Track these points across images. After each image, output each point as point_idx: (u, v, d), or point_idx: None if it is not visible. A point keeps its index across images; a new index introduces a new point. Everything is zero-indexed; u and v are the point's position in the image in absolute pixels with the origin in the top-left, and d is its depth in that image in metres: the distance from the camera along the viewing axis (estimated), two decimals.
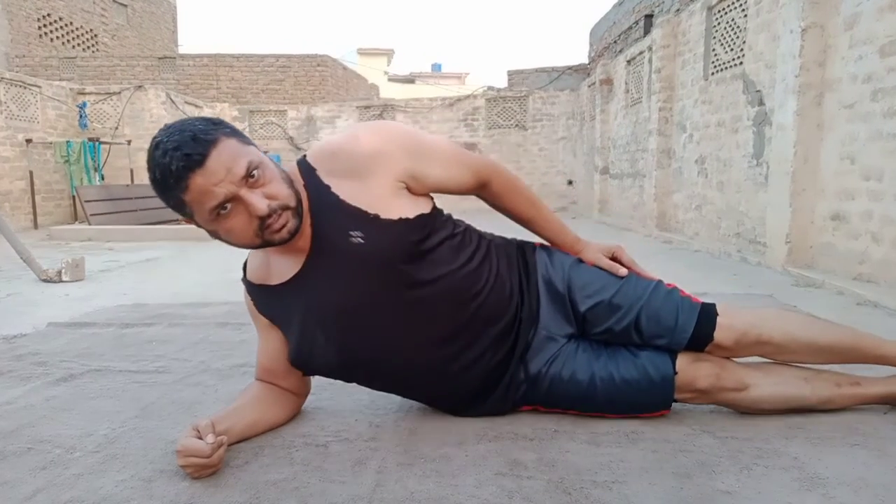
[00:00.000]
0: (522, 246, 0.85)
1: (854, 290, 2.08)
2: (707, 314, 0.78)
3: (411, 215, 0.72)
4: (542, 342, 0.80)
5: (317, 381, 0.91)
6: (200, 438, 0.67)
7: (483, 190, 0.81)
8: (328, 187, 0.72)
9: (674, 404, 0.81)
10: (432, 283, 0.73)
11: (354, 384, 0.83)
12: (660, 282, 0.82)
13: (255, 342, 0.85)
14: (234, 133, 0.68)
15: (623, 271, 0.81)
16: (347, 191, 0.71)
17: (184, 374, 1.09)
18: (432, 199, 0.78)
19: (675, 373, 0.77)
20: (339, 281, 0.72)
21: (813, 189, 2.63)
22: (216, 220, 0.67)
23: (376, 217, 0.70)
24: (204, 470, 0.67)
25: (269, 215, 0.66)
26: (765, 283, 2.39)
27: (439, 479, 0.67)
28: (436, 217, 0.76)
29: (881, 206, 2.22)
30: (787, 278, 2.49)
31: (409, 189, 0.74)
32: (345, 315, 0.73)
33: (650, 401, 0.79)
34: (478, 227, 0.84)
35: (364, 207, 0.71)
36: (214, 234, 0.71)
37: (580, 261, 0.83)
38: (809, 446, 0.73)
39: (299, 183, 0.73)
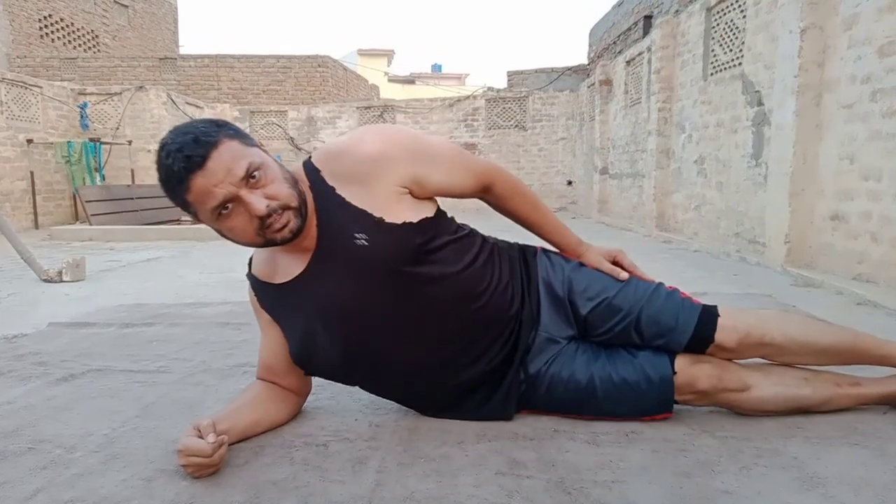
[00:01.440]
0: (524, 249, 0.86)
1: (853, 289, 2.08)
2: (708, 315, 0.79)
3: (415, 219, 0.72)
4: (543, 344, 0.80)
5: (317, 380, 0.91)
6: (201, 438, 0.67)
7: (486, 194, 0.82)
8: (333, 189, 0.73)
9: (674, 406, 0.81)
10: (435, 284, 0.73)
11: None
12: (660, 284, 0.82)
13: (255, 342, 0.85)
14: (238, 135, 0.68)
15: (624, 275, 0.82)
16: (352, 193, 0.72)
17: (184, 373, 1.09)
18: (436, 202, 0.79)
19: (674, 373, 0.77)
20: (342, 281, 0.73)
21: (812, 189, 2.64)
22: (218, 219, 0.68)
23: (381, 220, 0.71)
24: (205, 469, 0.67)
25: (269, 215, 0.67)
26: (764, 282, 2.39)
27: (439, 478, 0.67)
28: (439, 220, 0.76)
29: (880, 206, 2.23)
30: (787, 278, 2.49)
31: (411, 193, 0.74)
32: (348, 315, 0.74)
33: (650, 402, 0.79)
34: (480, 230, 0.85)
35: (369, 210, 0.71)
36: (219, 233, 0.72)
37: (581, 264, 0.84)
38: (809, 446, 0.73)
39: (304, 184, 0.73)
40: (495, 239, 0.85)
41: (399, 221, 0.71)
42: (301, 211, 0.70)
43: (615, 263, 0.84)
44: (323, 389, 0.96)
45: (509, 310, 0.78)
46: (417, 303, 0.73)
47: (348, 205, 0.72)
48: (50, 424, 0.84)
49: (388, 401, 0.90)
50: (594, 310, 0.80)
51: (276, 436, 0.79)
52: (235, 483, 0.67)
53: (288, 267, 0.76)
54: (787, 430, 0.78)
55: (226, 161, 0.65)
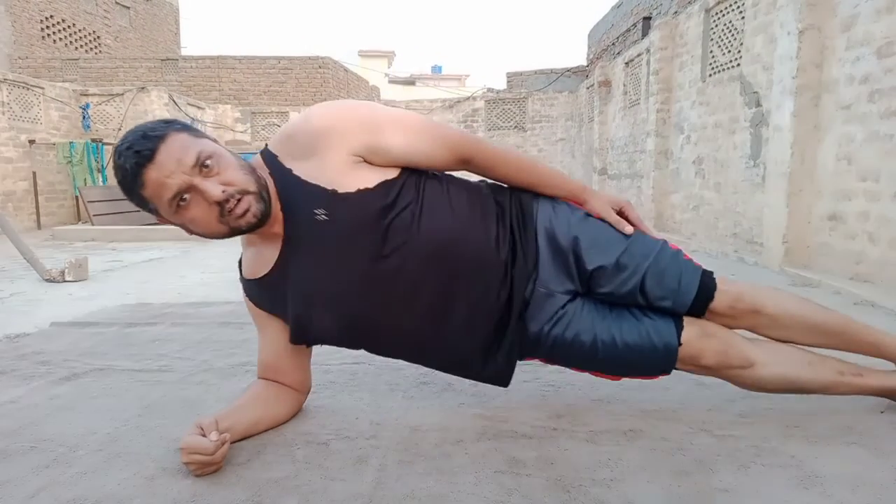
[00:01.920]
0: (521, 195, 0.82)
1: (851, 289, 2.09)
2: (708, 278, 0.79)
3: (371, 185, 0.71)
4: (542, 299, 0.78)
5: (317, 379, 0.91)
6: (204, 436, 0.67)
7: (467, 166, 0.78)
8: (290, 170, 0.72)
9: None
10: (406, 245, 0.72)
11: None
12: (665, 242, 0.81)
13: (256, 341, 0.86)
14: (186, 128, 0.69)
15: (630, 228, 0.79)
16: (306, 170, 0.72)
17: (187, 372, 1.10)
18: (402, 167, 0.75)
19: (680, 344, 0.77)
20: (316, 260, 0.73)
21: (810, 190, 2.65)
22: (178, 212, 0.68)
23: (334, 192, 0.70)
24: (207, 467, 0.67)
25: (227, 200, 0.67)
26: (762, 282, 2.38)
27: (439, 476, 0.67)
28: (404, 180, 0.74)
29: (878, 207, 2.24)
30: (785, 278, 2.50)
31: (368, 162, 0.72)
32: (331, 291, 0.74)
33: (650, 366, 0.79)
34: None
35: (322, 184, 0.71)
36: (185, 228, 0.72)
37: (587, 215, 0.81)
38: (807, 445, 0.74)
39: (264, 171, 0.73)
40: (482, 183, 0.82)
41: (353, 189, 0.70)
42: (262, 195, 0.70)
43: (620, 215, 0.81)
44: (324, 388, 0.96)
45: (496, 256, 0.76)
46: (394, 265, 0.72)
47: (304, 182, 0.71)
48: (52, 423, 0.85)
49: (388, 400, 0.91)
50: (600, 267, 0.77)
51: (277, 434, 0.79)
52: (237, 481, 0.67)
53: (267, 258, 0.76)
54: (786, 429, 0.78)
55: (175, 152, 0.65)
